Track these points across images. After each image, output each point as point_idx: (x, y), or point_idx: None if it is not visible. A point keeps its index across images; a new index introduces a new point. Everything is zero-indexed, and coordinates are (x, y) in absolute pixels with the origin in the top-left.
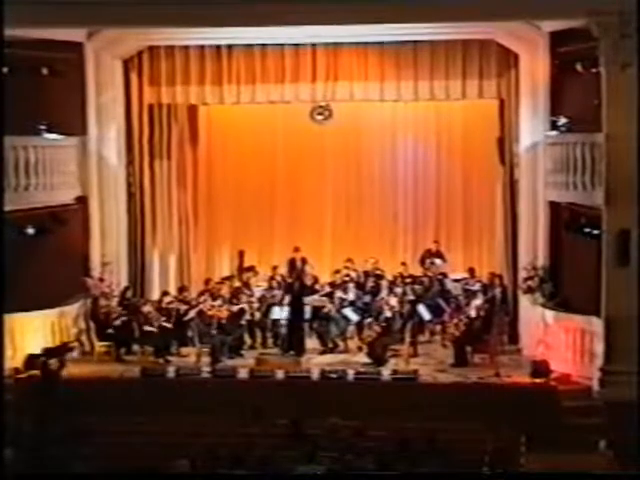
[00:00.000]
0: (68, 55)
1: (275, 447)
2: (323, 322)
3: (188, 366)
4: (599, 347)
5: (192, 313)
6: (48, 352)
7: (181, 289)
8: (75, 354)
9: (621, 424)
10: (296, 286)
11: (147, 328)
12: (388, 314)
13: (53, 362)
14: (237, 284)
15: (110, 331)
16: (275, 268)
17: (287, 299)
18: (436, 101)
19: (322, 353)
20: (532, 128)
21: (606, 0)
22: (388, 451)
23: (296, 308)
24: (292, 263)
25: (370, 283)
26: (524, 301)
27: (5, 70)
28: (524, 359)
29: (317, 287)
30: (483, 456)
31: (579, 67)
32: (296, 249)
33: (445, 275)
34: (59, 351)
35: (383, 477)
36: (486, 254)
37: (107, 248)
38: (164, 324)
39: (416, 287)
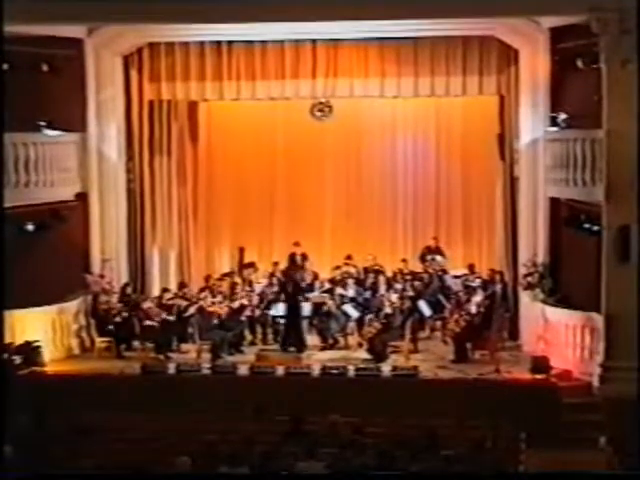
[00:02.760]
0: (68, 52)
1: (275, 444)
2: (323, 318)
3: (188, 362)
4: (599, 343)
5: (192, 309)
6: (11, 349)
7: (181, 285)
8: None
9: (621, 420)
10: (289, 285)
11: (147, 323)
12: (388, 310)
13: (16, 359)
14: (237, 280)
15: (110, 327)
16: (276, 264)
17: (281, 297)
18: (436, 97)
19: (322, 349)
20: (532, 124)
21: None
22: (388, 447)
23: (291, 305)
24: (292, 258)
25: (370, 279)
26: (524, 297)
27: (5, 67)
28: (524, 355)
29: (313, 284)
30: (483, 452)
31: (579, 63)
32: (296, 243)
33: (445, 271)
34: (20, 350)
35: (383, 476)
36: (486, 250)
37: (107, 244)
38: (165, 320)
39: (416, 283)
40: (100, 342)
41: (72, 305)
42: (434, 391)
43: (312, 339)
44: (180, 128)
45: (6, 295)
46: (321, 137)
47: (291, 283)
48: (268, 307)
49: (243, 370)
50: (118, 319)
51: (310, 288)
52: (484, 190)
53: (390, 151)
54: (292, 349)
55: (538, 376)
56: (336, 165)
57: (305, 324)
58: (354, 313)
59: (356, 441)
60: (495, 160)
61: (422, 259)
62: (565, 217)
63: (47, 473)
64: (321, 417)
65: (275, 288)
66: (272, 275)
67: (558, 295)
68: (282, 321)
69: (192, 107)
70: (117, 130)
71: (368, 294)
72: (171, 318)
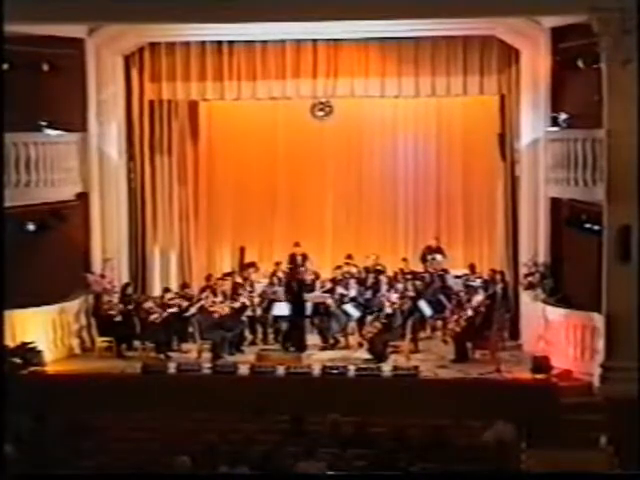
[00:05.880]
0: (69, 51)
1: (276, 443)
2: (324, 318)
3: (189, 362)
4: (600, 343)
5: (193, 309)
6: (11, 349)
7: (184, 285)
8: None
9: (622, 420)
10: (294, 284)
11: (148, 322)
12: (389, 310)
13: (17, 359)
14: (238, 280)
15: (111, 326)
16: (278, 264)
17: (286, 297)
18: (437, 97)
19: (323, 349)
20: (533, 124)
21: None
22: (388, 447)
23: (296, 305)
24: (292, 258)
25: (371, 279)
26: (525, 297)
27: (5, 66)
28: (525, 355)
29: (317, 283)
30: (483, 452)
31: (580, 63)
32: (296, 244)
33: (446, 271)
34: (20, 350)
35: (383, 476)
36: (487, 250)
37: (108, 244)
38: (165, 320)
39: (417, 283)
40: (101, 342)
41: (73, 305)
42: (435, 391)
43: (313, 339)
44: (181, 128)
45: (6, 295)
46: (322, 137)
47: (296, 282)
48: (269, 307)
49: (243, 370)
50: (119, 319)
51: (311, 288)
52: (485, 190)
53: (391, 151)
54: (292, 349)
55: (539, 376)
56: (337, 165)
57: (306, 324)
58: (355, 313)
59: (357, 440)
60: (496, 160)
61: (423, 259)
62: (566, 217)
63: (47, 473)
64: (321, 417)
65: (276, 288)
66: (273, 275)
67: (559, 295)
68: (285, 320)
69: (193, 107)
70: (118, 130)
71: (369, 294)
72: (172, 317)
